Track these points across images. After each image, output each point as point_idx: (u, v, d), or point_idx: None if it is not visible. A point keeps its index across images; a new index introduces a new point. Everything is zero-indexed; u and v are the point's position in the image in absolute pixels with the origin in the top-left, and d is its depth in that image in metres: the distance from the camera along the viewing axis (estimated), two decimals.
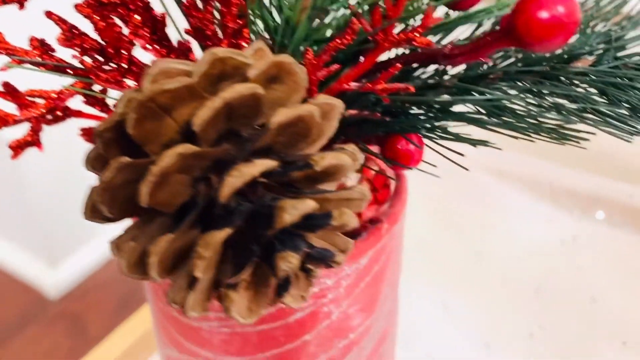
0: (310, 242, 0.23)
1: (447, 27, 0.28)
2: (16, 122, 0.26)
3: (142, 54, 0.27)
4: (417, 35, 0.26)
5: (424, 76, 0.31)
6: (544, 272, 0.65)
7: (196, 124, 0.20)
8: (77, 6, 0.24)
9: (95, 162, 0.23)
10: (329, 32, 0.30)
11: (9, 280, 1.25)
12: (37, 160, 1.23)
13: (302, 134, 0.23)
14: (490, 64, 0.30)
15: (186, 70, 0.22)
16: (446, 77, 0.31)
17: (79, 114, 0.28)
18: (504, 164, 0.76)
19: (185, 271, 0.22)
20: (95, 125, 0.22)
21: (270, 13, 0.28)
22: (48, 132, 0.28)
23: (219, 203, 0.20)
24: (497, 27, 0.27)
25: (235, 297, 0.21)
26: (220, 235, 0.20)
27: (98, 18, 0.24)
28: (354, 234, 0.34)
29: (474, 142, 0.28)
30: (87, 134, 0.29)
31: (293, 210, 0.20)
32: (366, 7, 0.29)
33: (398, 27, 0.28)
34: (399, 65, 0.27)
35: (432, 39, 0.29)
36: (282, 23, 0.27)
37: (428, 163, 0.33)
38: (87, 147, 0.24)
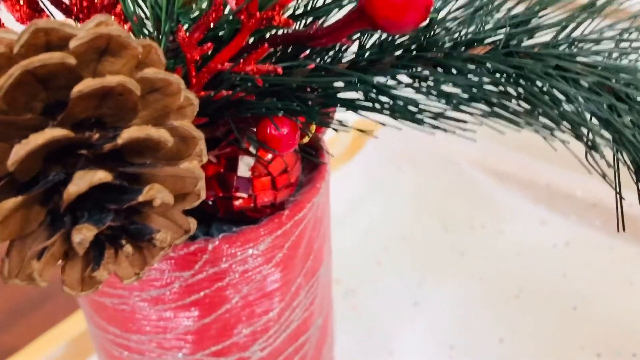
0: (136, 219, 0.23)
1: (321, 10, 0.27)
2: None
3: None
4: (277, 15, 0.25)
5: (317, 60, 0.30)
6: (528, 276, 0.63)
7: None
8: None
9: None
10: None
11: None
12: None
13: (127, 107, 0.22)
14: (377, 48, 0.29)
15: (11, 39, 0.22)
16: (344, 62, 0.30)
17: None
18: (501, 163, 0.73)
19: None
20: None
21: None
22: None
23: (11, 171, 0.20)
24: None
25: (36, 267, 0.21)
26: (8, 203, 0.20)
27: None
28: (253, 219, 0.34)
29: (340, 128, 0.27)
30: None
31: (80, 181, 0.20)
32: None
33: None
34: (266, 46, 0.27)
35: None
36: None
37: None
38: None
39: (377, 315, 0.59)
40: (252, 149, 0.31)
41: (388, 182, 0.76)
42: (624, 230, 0.31)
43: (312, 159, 0.34)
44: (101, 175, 0.20)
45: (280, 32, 0.28)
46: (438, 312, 0.59)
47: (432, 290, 0.61)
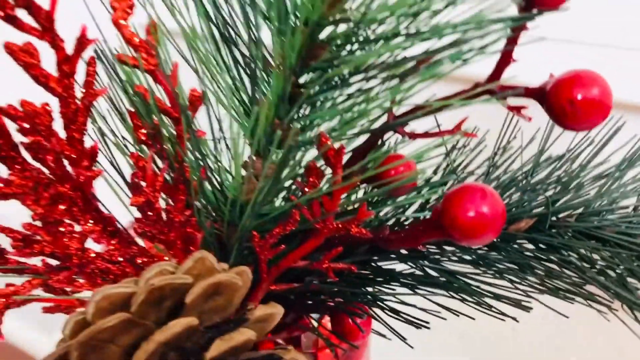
0: None
1: (383, 206, 0.30)
2: None
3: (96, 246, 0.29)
4: (354, 227, 0.27)
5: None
6: (527, 347, 0.66)
7: None
8: (23, 225, 0.25)
9: None
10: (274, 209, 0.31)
11: (10, 350, 1.27)
12: None
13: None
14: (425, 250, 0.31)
15: (127, 294, 0.23)
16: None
17: (39, 299, 0.29)
18: None
19: None
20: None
21: (216, 198, 0.29)
22: None
23: None
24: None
25: None
26: None
27: (45, 233, 0.26)
28: None
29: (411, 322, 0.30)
30: (48, 310, 0.30)
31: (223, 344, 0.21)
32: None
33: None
34: (340, 247, 0.28)
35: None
36: (228, 205, 0.29)
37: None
38: None
39: None
40: (313, 323, 0.33)
41: None
42: None
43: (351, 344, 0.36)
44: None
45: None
46: None
47: None
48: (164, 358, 0.24)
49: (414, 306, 0.31)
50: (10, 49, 0.23)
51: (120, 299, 0.23)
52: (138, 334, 0.23)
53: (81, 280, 0.28)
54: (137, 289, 0.23)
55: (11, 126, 0.24)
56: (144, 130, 0.27)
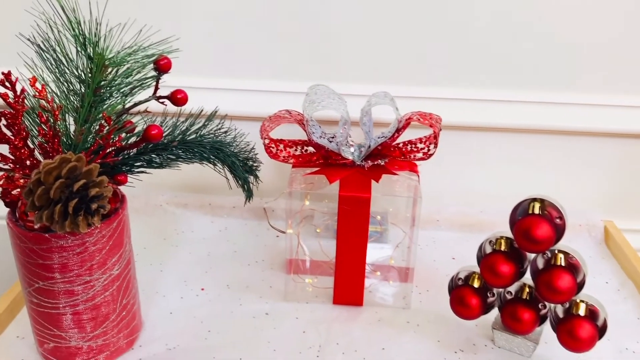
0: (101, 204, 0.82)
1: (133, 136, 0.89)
2: None
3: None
4: (118, 143, 0.86)
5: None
6: (210, 251, 1.28)
7: (63, 175, 0.77)
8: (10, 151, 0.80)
9: (28, 194, 0.78)
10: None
11: None
12: None
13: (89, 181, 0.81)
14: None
15: (53, 161, 0.79)
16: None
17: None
18: (186, 200, 1.39)
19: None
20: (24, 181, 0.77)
21: (67, 137, 0.85)
22: None
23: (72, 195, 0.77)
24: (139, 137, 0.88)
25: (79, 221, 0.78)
26: (57, 210, 0.77)
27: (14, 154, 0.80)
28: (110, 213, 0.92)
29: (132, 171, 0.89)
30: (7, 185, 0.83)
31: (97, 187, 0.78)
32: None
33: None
34: (113, 152, 0.87)
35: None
36: (73, 142, 0.85)
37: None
38: None
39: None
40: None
41: None
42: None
43: (119, 184, 0.94)
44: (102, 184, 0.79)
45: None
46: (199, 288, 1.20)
47: (200, 279, 1.22)
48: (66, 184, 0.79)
49: (144, 171, 0.90)
50: None
51: (50, 163, 0.79)
52: (58, 172, 0.78)
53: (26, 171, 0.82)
54: (55, 160, 0.79)
55: None
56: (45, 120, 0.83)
